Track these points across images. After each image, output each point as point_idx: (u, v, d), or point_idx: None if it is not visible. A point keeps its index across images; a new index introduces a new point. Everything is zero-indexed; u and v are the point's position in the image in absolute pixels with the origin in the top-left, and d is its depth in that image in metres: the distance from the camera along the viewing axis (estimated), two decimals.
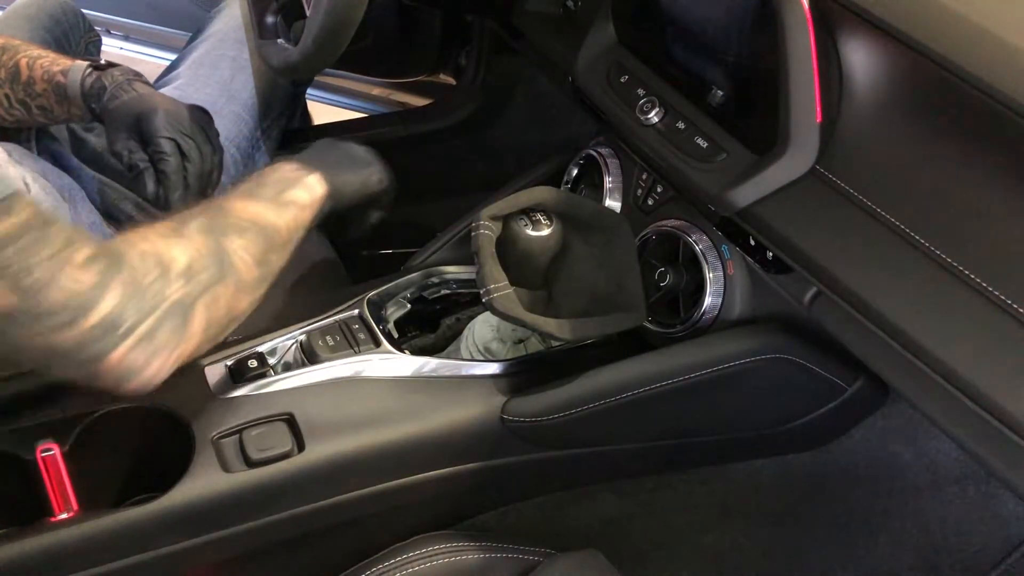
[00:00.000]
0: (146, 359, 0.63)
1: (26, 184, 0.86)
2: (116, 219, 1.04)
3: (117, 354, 0.61)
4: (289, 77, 1.08)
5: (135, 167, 0.89)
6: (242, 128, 1.15)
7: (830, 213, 0.69)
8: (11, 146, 0.92)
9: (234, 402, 0.79)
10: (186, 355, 0.66)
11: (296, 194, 0.81)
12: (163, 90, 1.08)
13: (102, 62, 0.96)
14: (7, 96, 0.95)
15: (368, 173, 0.91)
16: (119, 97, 0.91)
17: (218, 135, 0.95)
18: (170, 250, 0.66)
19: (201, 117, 0.92)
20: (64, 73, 0.94)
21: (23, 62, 0.95)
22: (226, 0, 1.25)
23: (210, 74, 1.14)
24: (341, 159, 0.90)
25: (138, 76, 0.94)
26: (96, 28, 1.20)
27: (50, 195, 0.91)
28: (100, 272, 0.61)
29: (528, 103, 1.52)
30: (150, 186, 0.88)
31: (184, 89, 1.09)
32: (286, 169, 0.83)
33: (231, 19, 1.22)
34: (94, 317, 0.60)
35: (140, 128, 0.89)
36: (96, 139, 1.03)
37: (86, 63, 0.94)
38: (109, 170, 1.01)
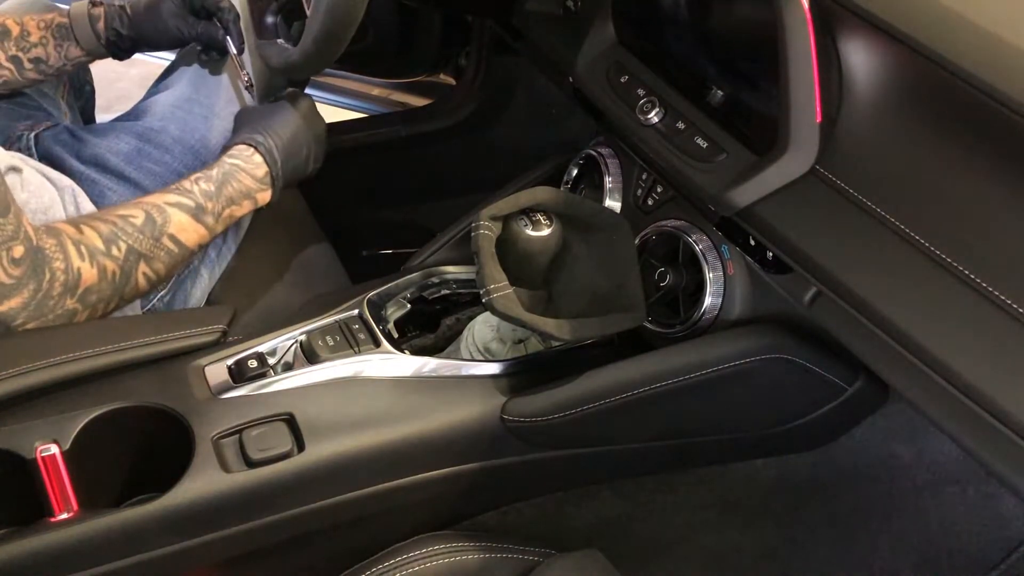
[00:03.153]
0: None
1: (16, 168, 0.88)
2: None
3: None
4: (289, 77, 1.08)
5: (204, 34, 1.05)
6: None
7: (830, 213, 0.69)
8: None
9: (234, 402, 0.79)
10: None
11: (240, 211, 0.95)
12: (162, 93, 1.09)
13: None
14: None
15: (311, 171, 1.04)
16: (140, 3, 1.05)
17: None
18: (88, 270, 0.80)
19: None
20: (63, 15, 1.03)
21: (10, 21, 1.01)
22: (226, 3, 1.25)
23: (210, 78, 1.14)
24: (300, 156, 1.01)
25: None
26: None
27: (48, 191, 0.91)
28: (21, 274, 0.75)
29: (528, 103, 1.52)
30: (235, 43, 1.04)
31: (184, 92, 1.10)
32: (251, 179, 0.95)
33: None
34: (2, 307, 0.75)
35: (185, 2, 1.04)
36: (97, 139, 1.04)
37: (85, 1, 1.04)
38: (110, 171, 1.01)
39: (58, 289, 0.78)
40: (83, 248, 0.80)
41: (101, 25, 1.04)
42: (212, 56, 1.10)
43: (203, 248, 0.94)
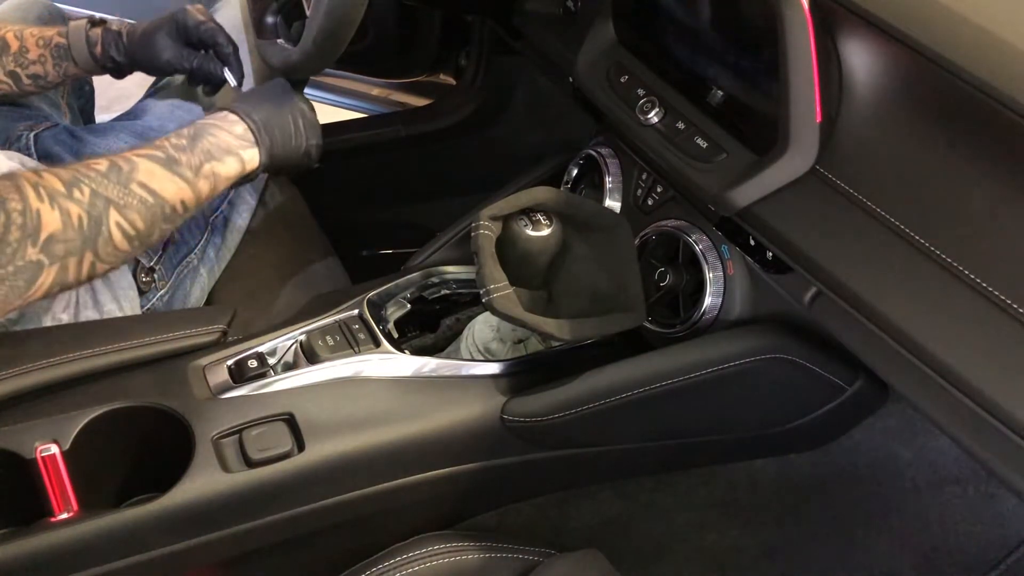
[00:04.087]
0: None
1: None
2: None
3: None
4: (289, 77, 1.08)
5: (200, 70, 1.02)
6: None
7: (830, 213, 0.69)
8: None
9: (234, 402, 0.79)
10: (22, 306, 0.74)
11: (223, 167, 0.86)
12: (159, 94, 1.09)
13: (96, 18, 1.05)
14: None
15: (308, 146, 0.96)
16: (137, 30, 1.03)
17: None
18: (48, 212, 0.72)
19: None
20: (62, 35, 1.02)
21: (9, 35, 1.01)
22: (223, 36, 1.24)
23: None
24: (287, 123, 0.94)
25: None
26: None
27: None
28: None
29: (528, 103, 1.52)
30: (235, 75, 1.02)
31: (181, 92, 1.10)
32: (228, 135, 0.88)
33: (227, 20, 1.22)
34: None
35: (181, 34, 1.02)
36: (96, 139, 1.04)
37: (83, 20, 1.03)
38: None
39: (15, 234, 0.70)
40: (42, 190, 0.73)
41: (99, 50, 1.03)
42: (206, 91, 1.07)
43: (188, 208, 0.85)
